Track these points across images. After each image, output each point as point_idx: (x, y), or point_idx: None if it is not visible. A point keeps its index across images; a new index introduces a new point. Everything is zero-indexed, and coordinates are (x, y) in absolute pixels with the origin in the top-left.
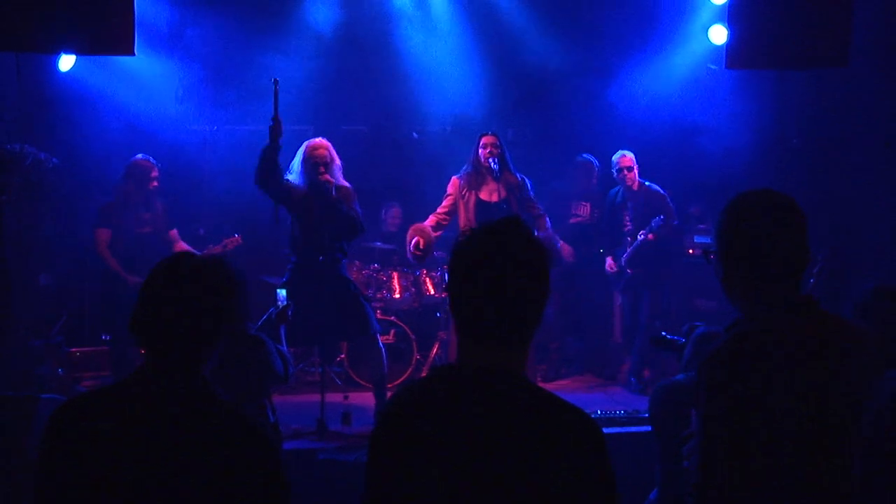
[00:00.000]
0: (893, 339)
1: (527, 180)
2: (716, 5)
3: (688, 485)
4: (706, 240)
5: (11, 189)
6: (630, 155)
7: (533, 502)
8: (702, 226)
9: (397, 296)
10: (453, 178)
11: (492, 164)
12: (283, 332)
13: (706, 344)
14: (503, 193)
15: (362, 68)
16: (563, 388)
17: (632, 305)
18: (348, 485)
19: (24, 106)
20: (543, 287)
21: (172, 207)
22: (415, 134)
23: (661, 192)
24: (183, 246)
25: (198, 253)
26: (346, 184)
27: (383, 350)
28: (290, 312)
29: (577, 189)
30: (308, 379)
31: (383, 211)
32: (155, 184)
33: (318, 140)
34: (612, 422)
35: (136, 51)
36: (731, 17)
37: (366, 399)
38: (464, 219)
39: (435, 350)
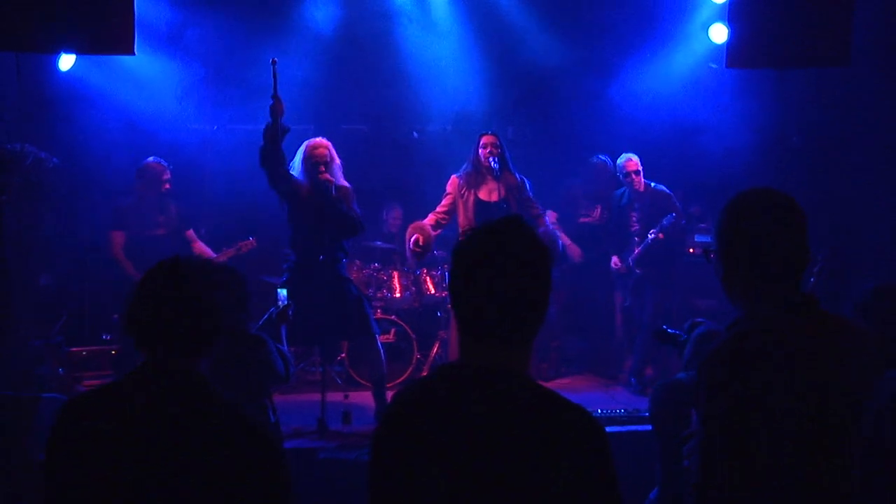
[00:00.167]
0: (893, 339)
1: (526, 180)
2: (716, 4)
3: (688, 484)
4: (706, 239)
5: (11, 189)
6: (635, 158)
7: (535, 501)
8: (702, 225)
9: (398, 295)
10: (453, 176)
11: (492, 163)
12: (283, 331)
13: (707, 343)
14: (502, 193)
15: (362, 67)
16: (564, 386)
17: (639, 305)
18: (349, 484)
19: (25, 105)
20: (545, 286)
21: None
22: (415, 133)
23: (668, 191)
24: (200, 246)
25: (212, 253)
26: (346, 183)
27: (382, 350)
28: (290, 312)
29: (591, 189)
30: (309, 378)
31: (384, 212)
32: (167, 186)
33: (319, 139)
34: (612, 421)
35: (136, 50)
36: (731, 15)
37: (366, 398)
38: (463, 218)
39: (435, 349)
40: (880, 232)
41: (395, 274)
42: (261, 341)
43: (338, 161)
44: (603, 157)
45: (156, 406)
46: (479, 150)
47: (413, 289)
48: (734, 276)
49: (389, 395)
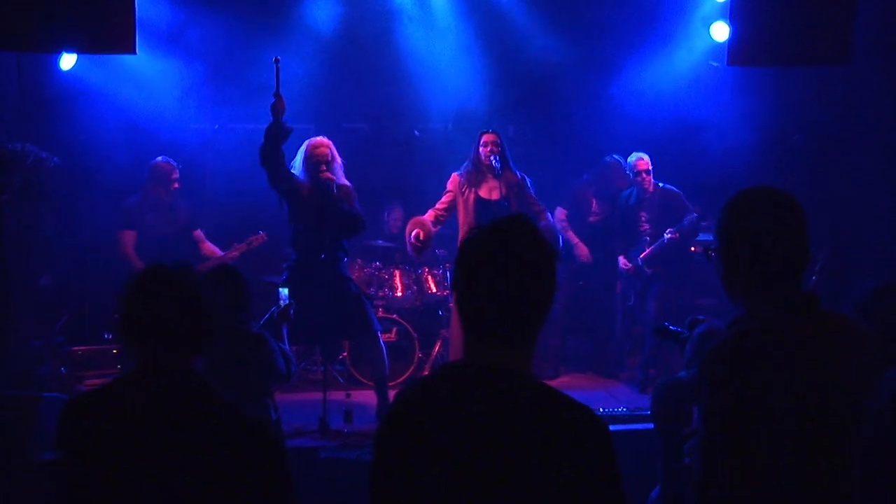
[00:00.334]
0: (894, 338)
1: (527, 178)
2: (717, 2)
3: (689, 482)
4: (707, 237)
5: (12, 189)
6: (646, 158)
7: (538, 500)
8: (703, 223)
9: (399, 294)
10: (453, 174)
11: (493, 161)
12: (285, 330)
13: (708, 341)
14: (503, 191)
15: (363, 66)
16: (565, 385)
17: (643, 304)
18: (350, 483)
19: (25, 105)
20: (548, 286)
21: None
22: (416, 132)
23: (677, 191)
24: (209, 246)
25: (221, 252)
26: (347, 182)
27: (384, 349)
28: (292, 311)
29: (603, 189)
30: (310, 377)
31: (385, 212)
32: (176, 185)
33: (320, 138)
34: (614, 419)
35: (137, 49)
36: (732, 13)
37: (368, 397)
38: (463, 216)
39: (437, 348)
40: (880, 232)
41: (397, 273)
42: (262, 340)
43: (339, 160)
44: (617, 157)
45: (155, 405)
46: (480, 149)
47: (414, 287)
48: (734, 275)
49: (391, 393)
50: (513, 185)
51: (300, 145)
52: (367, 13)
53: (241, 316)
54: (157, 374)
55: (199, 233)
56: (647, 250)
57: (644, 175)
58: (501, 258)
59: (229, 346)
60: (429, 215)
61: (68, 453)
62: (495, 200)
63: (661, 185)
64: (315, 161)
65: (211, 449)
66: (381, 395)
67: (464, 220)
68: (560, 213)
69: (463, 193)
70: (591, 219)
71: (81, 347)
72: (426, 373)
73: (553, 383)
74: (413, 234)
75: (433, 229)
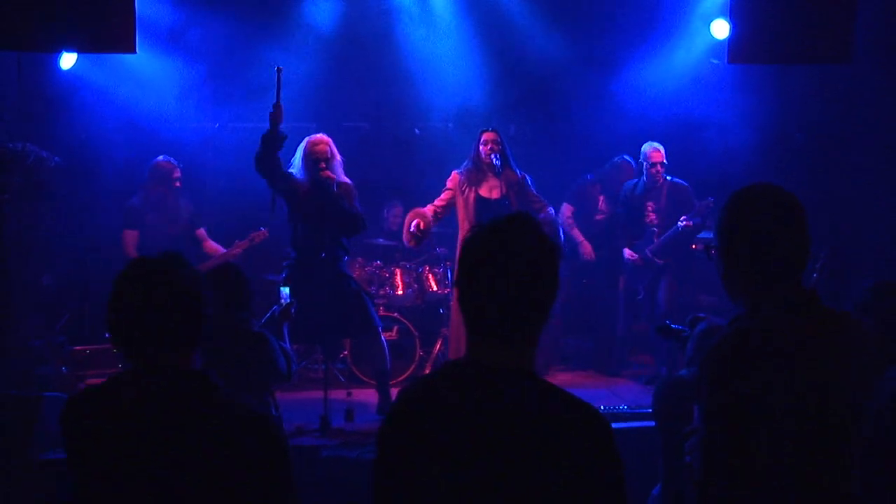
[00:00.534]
0: (894, 338)
1: (527, 176)
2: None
3: (690, 480)
4: (708, 235)
5: (13, 188)
6: (662, 150)
7: (541, 499)
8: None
9: (400, 292)
10: (454, 172)
11: (493, 160)
12: (286, 329)
13: (709, 339)
14: (503, 190)
15: (363, 65)
16: (566, 383)
17: (652, 298)
18: (352, 481)
19: (26, 105)
20: (549, 286)
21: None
22: (416, 130)
23: (685, 184)
24: (211, 244)
25: (223, 250)
26: (348, 180)
27: (385, 346)
28: (293, 310)
29: (611, 188)
30: (311, 376)
31: (385, 210)
32: (177, 184)
33: (319, 136)
34: (615, 417)
35: (137, 49)
36: (733, 11)
37: (369, 396)
38: (463, 215)
39: (438, 346)
40: (880, 232)
41: (398, 271)
42: (263, 339)
43: (339, 158)
44: (627, 158)
45: (153, 404)
46: (480, 147)
47: (415, 286)
48: (735, 273)
49: (393, 391)
50: (513, 184)
51: (299, 144)
52: (367, 12)
53: (242, 314)
54: (155, 373)
55: (201, 231)
56: (658, 240)
57: (658, 167)
58: (502, 257)
59: (230, 344)
60: (427, 209)
61: (70, 451)
62: (495, 199)
63: (668, 178)
64: (314, 158)
65: (211, 447)
66: (383, 392)
67: (464, 219)
68: (566, 209)
69: (463, 192)
70: (598, 217)
71: (82, 347)
72: (427, 371)
73: (554, 381)
74: (413, 223)
75: (431, 218)
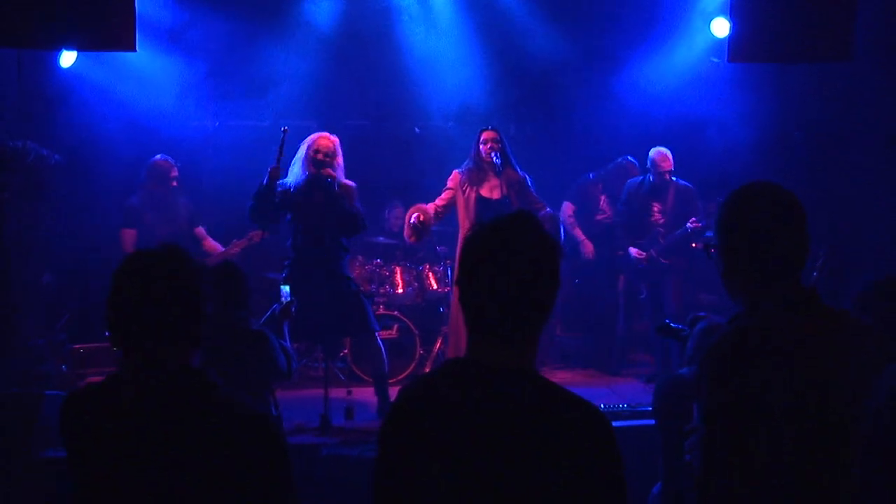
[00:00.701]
0: (893, 336)
1: (528, 177)
2: None
3: (690, 479)
4: (708, 234)
5: (13, 187)
6: (671, 157)
7: (542, 497)
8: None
9: (400, 291)
10: (455, 172)
11: (494, 158)
12: (286, 328)
13: (709, 338)
14: (504, 190)
15: (364, 64)
16: (566, 382)
17: (659, 296)
18: (352, 480)
19: (26, 103)
20: (550, 285)
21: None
22: (417, 129)
23: (691, 186)
24: (211, 243)
25: (222, 248)
26: (350, 182)
27: (383, 349)
28: (293, 309)
29: (613, 188)
30: (311, 374)
31: (386, 210)
32: (174, 183)
33: (327, 133)
34: (615, 416)
35: (137, 47)
36: (733, 9)
37: (369, 394)
38: (464, 215)
39: (438, 345)
40: (880, 231)
41: (398, 270)
42: (263, 337)
43: (341, 160)
44: (631, 159)
45: (152, 402)
46: (480, 147)
47: (416, 284)
48: (734, 272)
49: (392, 391)
50: (514, 184)
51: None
52: (367, 10)
53: (241, 313)
54: (154, 370)
55: (200, 230)
56: (665, 240)
57: (667, 175)
58: (503, 256)
59: (229, 343)
60: (429, 207)
61: (69, 449)
62: (496, 199)
63: (674, 178)
64: (316, 149)
65: (210, 446)
66: (381, 392)
67: (464, 219)
68: (567, 207)
69: (464, 192)
70: (599, 217)
71: (83, 345)
72: (427, 370)
73: (554, 380)
74: (414, 215)
75: (432, 215)
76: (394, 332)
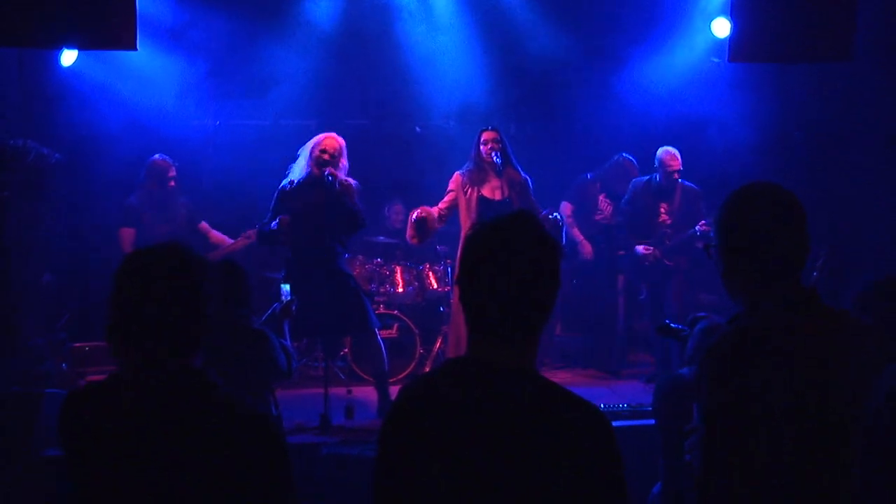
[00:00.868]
0: (893, 336)
1: (529, 179)
2: None
3: (690, 479)
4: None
5: (13, 186)
6: (679, 156)
7: (542, 497)
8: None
9: (400, 290)
10: (456, 173)
11: (494, 157)
12: (287, 327)
13: (708, 338)
14: (506, 191)
15: (364, 62)
16: (566, 382)
17: (660, 297)
18: (352, 479)
19: (26, 102)
20: (550, 285)
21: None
22: (417, 128)
23: (697, 188)
24: (217, 234)
25: (230, 241)
26: (352, 180)
27: (383, 347)
28: (294, 307)
29: (611, 187)
30: (311, 373)
31: (386, 208)
32: (172, 184)
33: (334, 134)
34: (615, 416)
35: (138, 46)
36: (734, 9)
37: (369, 393)
38: (465, 216)
39: (438, 344)
40: (880, 231)
41: (398, 269)
42: (263, 336)
43: (345, 162)
44: (628, 156)
45: (152, 402)
46: (481, 147)
47: (416, 284)
48: (734, 272)
49: (392, 390)
50: (515, 185)
51: (301, 143)
52: (368, 9)
53: (242, 311)
54: (154, 370)
55: (204, 224)
56: (671, 241)
57: (676, 175)
58: (503, 256)
59: (229, 341)
60: (432, 210)
61: (68, 448)
62: (498, 200)
63: (681, 181)
64: (322, 149)
65: (210, 446)
66: (382, 391)
67: (466, 220)
68: (566, 207)
69: (465, 193)
70: (597, 217)
71: (83, 344)
72: (427, 369)
73: (554, 380)
74: (416, 213)
75: (436, 217)
76: (394, 331)
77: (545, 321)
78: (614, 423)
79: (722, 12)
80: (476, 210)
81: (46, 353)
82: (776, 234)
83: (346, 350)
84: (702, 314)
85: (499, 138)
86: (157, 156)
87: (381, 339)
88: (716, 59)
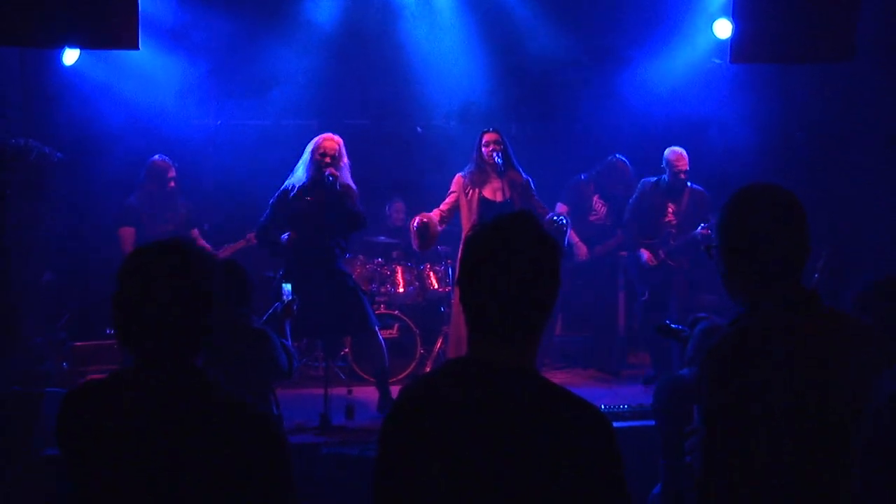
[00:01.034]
0: (893, 336)
1: (531, 180)
2: None
3: (691, 480)
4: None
5: (15, 185)
6: (686, 156)
7: (542, 497)
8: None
9: (401, 290)
10: (457, 175)
11: (496, 158)
12: (287, 326)
13: (709, 339)
14: (507, 192)
15: (365, 62)
16: (566, 382)
17: (661, 297)
18: (352, 479)
19: (28, 101)
20: (550, 285)
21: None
22: (418, 128)
23: (705, 192)
24: (202, 244)
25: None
26: (352, 184)
27: (383, 345)
28: (295, 307)
29: (605, 188)
30: (312, 373)
31: (387, 206)
32: (172, 184)
33: (331, 134)
34: (616, 416)
35: (140, 45)
36: (736, 10)
37: (369, 393)
38: (466, 217)
39: (439, 344)
40: (880, 231)
41: (399, 269)
42: (264, 336)
43: (346, 160)
44: (621, 157)
45: (153, 402)
46: (482, 148)
47: (416, 284)
48: (734, 273)
49: (393, 389)
50: (517, 186)
51: (301, 143)
52: (369, 9)
53: (243, 310)
54: (155, 369)
55: (195, 232)
56: (675, 242)
57: (682, 175)
58: (503, 256)
59: (229, 341)
60: (433, 214)
61: (67, 447)
62: (500, 202)
63: (689, 183)
64: (322, 153)
65: (210, 445)
66: (383, 390)
67: (467, 221)
68: (560, 209)
69: (467, 194)
70: (592, 217)
71: (83, 343)
72: (428, 369)
73: (554, 380)
74: (416, 221)
75: (437, 221)
76: (394, 331)
77: (545, 321)
78: (615, 424)
79: (724, 13)
80: (477, 211)
81: (47, 353)
82: (776, 234)
83: (347, 350)
84: (702, 315)
85: (500, 140)
86: (156, 156)
87: (382, 338)
88: (717, 60)
